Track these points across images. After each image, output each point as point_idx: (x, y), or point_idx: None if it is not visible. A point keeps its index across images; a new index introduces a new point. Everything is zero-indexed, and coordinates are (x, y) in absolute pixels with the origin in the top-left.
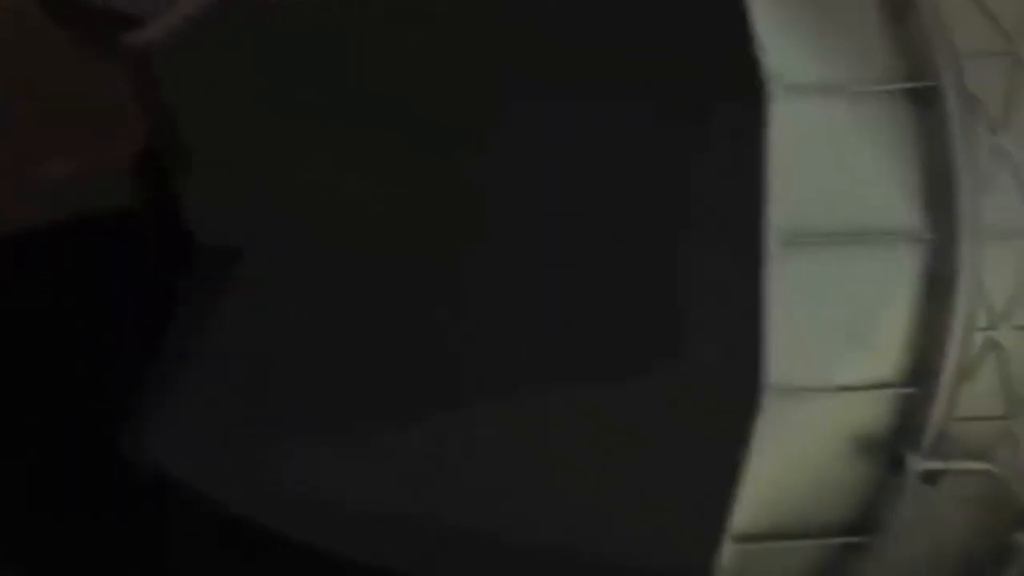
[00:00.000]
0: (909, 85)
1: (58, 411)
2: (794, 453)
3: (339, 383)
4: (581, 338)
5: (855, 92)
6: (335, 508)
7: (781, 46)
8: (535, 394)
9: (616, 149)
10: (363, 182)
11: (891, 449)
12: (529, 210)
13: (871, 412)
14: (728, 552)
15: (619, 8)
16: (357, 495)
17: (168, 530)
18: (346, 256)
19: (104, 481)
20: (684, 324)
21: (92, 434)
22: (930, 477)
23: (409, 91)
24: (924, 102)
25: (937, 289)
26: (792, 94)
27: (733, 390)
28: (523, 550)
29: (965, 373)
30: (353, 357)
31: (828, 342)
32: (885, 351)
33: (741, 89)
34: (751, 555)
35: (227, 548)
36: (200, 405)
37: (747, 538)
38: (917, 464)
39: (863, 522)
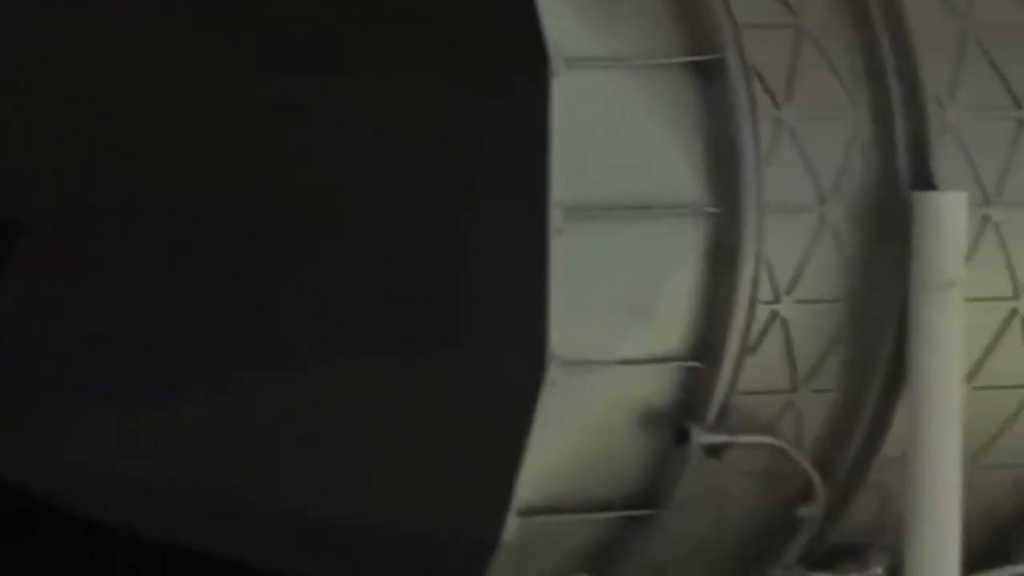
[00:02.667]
0: (692, 59)
1: None
2: (578, 426)
3: (123, 356)
4: (368, 315)
5: (638, 66)
6: (121, 480)
7: (563, 20)
8: (324, 370)
9: (395, 123)
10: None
11: (675, 422)
12: (311, 188)
13: (655, 385)
14: (512, 525)
15: None
16: (147, 467)
17: None
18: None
19: None
20: (469, 299)
21: None
22: (714, 450)
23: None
24: (708, 76)
25: (721, 263)
26: (574, 68)
27: (517, 363)
28: (314, 522)
29: (749, 347)
30: (137, 332)
31: (612, 316)
32: (669, 325)
33: (523, 63)
34: (535, 528)
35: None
36: None
37: (531, 511)
38: (701, 437)
39: (648, 495)
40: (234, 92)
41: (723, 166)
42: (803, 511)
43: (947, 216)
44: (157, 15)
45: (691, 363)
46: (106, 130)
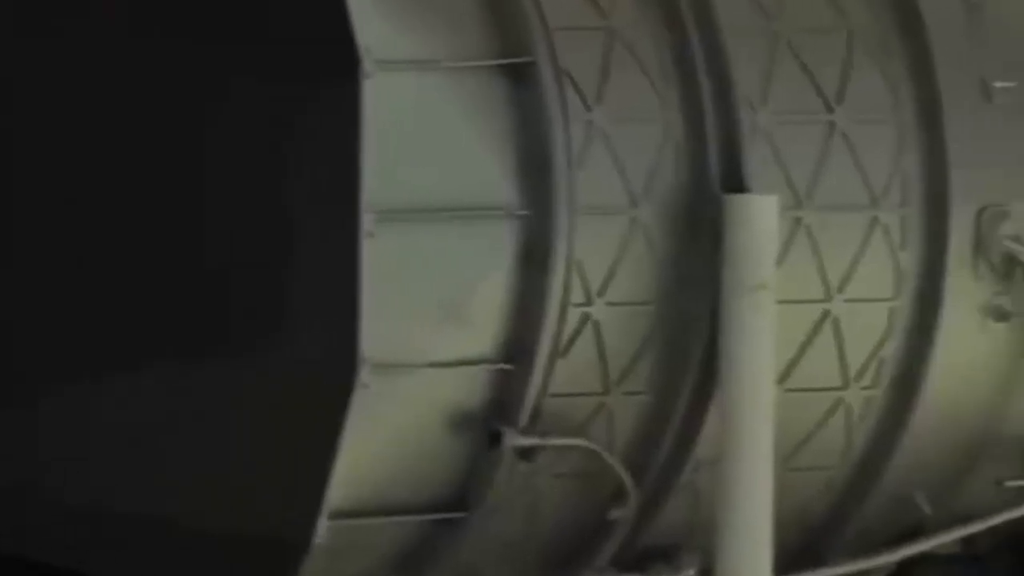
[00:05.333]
0: (503, 62)
1: None
2: (390, 429)
3: None
4: (181, 315)
5: (450, 68)
6: None
7: (375, 23)
8: (134, 369)
9: (207, 126)
10: None
11: (488, 425)
12: (126, 190)
13: (467, 388)
14: (324, 528)
15: None
16: None
17: None
18: None
19: None
20: (282, 302)
21: None
22: (526, 453)
23: None
24: (519, 78)
25: (533, 265)
26: (386, 70)
27: (330, 366)
28: (122, 522)
29: (560, 349)
30: None
31: (424, 318)
32: (481, 327)
33: (335, 66)
34: (346, 531)
35: None
36: None
37: (342, 514)
38: (513, 440)
39: (460, 498)
40: (42, 92)
41: (535, 168)
42: (615, 513)
43: (758, 219)
44: None
45: (503, 366)
46: None
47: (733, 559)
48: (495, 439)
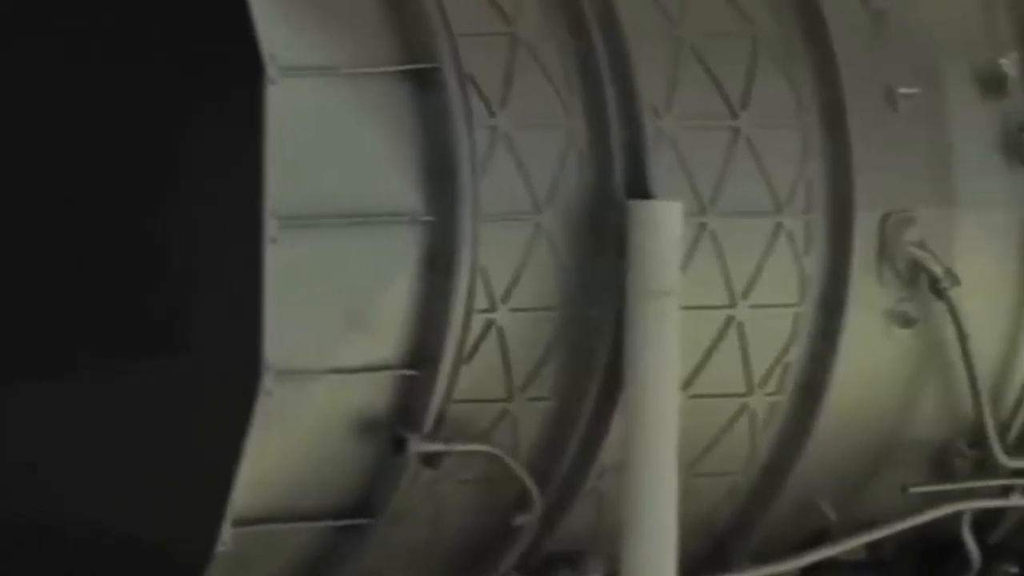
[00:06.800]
0: (408, 67)
1: None
2: (294, 436)
3: None
4: (86, 322)
5: (354, 74)
6: None
7: (279, 29)
8: (39, 375)
9: (112, 133)
10: None
11: (392, 431)
12: (37, 197)
13: (371, 394)
14: (228, 535)
15: None
16: None
17: None
18: None
19: None
20: (187, 309)
21: None
22: (430, 459)
23: None
24: (424, 84)
25: (437, 272)
26: (290, 76)
27: (234, 372)
28: (22, 526)
29: (464, 356)
30: None
31: (328, 325)
32: (385, 334)
33: (239, 72)
34: (251, 537)
35: None
36: None
37: (247, 521)
38: (417, 446)
39: (365, 504)
40: None
41: (439, 174)
42: (520, 519)
43: (663, 225)
44: None
45: (407, 372)
46: None
47: (638, 565)
48: (399, 445)
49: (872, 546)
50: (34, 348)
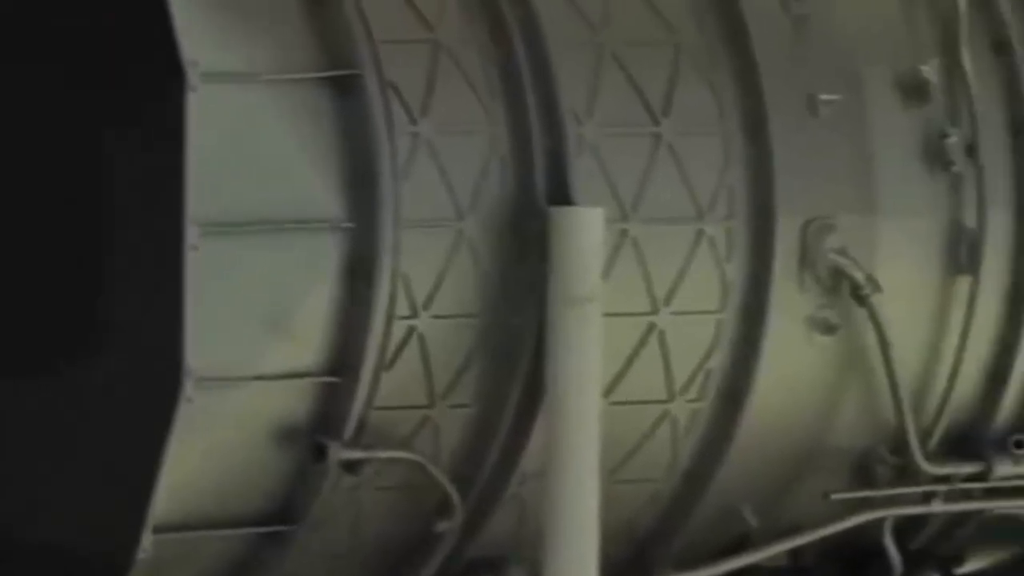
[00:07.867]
0: (329, 74)
1: None
2: (215, 442)
3: None
4: (3, 329)
5: (275, 80)
6: None
7: (200, 35)
8: None
9: (33, 139)
10: None
11: (312, 438)
12: None
13: (292, 401)
14: (148, 542)
15: None
16: None
17: None
18: None
19: None
20: (108, 315)
21: None
22: (351, 466)
23: None
24: (345, 91)
25: (358, 278)
26: (211, 82)
27: (154, 380)
28: None
29: (386, 362)
30: None
31: (249, 332)
32: (306, 340)
33: (159, 78)
34: (172, 544)
35: None
36: None
37: (167, 528)
38: (338, 453)
39: (285, 512)
40: None
41: (360, 181)
42: (441, 526)
43: (584, 231)
44: None
45: (328, 379)
46: None
47: (560, 570)
48: (320, 452)
49: (794, 553)
50: None
